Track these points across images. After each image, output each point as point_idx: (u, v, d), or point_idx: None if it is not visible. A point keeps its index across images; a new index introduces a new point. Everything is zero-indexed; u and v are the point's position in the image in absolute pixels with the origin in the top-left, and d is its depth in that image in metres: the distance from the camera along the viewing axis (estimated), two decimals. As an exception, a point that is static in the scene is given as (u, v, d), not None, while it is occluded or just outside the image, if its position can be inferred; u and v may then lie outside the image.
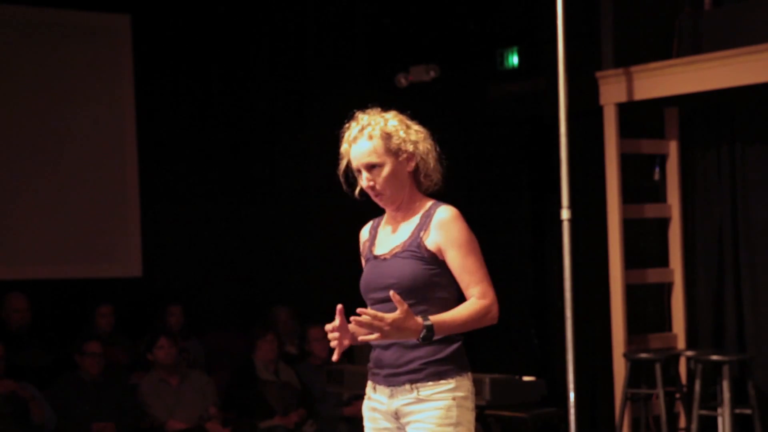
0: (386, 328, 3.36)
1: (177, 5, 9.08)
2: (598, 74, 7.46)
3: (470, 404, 3.55)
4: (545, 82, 7.85)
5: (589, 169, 7.90)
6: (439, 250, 3.53)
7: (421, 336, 3.40)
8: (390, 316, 3.35)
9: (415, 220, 3.61)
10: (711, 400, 7.21)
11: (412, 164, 3.62)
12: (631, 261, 7.51)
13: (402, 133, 3.60)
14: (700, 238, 7.73)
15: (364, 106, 3.71)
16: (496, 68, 8.73)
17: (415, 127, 3.67)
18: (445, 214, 3.55)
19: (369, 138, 3.59)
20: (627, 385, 7.25)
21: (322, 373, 7.68)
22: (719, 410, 7.06)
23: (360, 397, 7.93)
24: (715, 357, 7.06)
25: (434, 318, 3.43)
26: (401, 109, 3.73)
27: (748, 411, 7.03)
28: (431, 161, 3.64)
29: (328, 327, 3.53)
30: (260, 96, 9.52)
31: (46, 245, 8.67)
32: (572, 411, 6.82)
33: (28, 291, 8.13)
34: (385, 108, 3.70)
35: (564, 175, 6.90)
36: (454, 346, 3.54)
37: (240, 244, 9.36)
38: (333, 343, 3.54)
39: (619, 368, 7.42)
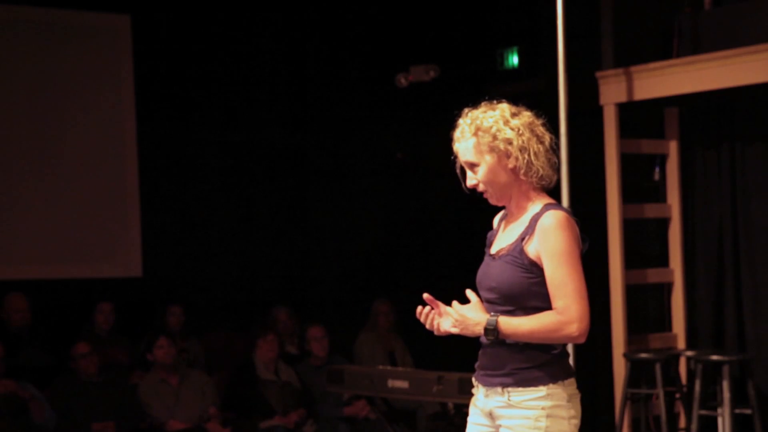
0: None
1: (177, 5, 9.09)
2: (598, 74, 7.45)
3: (565, 413, 3.43)
4: (545, 82, 7.85)
5: (589, 169, 7.89)
6: (539, 258, 3.40)
7: (485, 328, 3.39)
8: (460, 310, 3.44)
9: (525, 221, 3.48)
10: (711, 400, 7.20)
11: (512, 161, 3.47)
12: (631, 261, 7.50)
13: (494, 130, 3.47)
14: (700, 238, 7.72)
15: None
16: (496, 68, 8.72)
17: (514, 121, 3.52)
18: (549, 221, 3.40)
19: (465, 136, 3.51)
20: (627, 385, 7.25)
21: (322, 373, 7.67)
22: (719, 410, 7.05)
23: (360, 397, 7.95)
24: (715, 357, 7.05)
25: (502, 318, 3.40)
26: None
27: (748, 411, 7.02)
28: (532, 157, 3.49)
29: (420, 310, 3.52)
30: (260, 96, 9.52)
31: (46, 245, 8.67)
32: (572, 411, 6.81)
33: (28, 291, 8.13)
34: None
35: (564, 175, 6.90)
36: (550, 354, 3.44)
37: (240, 244, 9.36)
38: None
39: (619, 368, 7.41)
